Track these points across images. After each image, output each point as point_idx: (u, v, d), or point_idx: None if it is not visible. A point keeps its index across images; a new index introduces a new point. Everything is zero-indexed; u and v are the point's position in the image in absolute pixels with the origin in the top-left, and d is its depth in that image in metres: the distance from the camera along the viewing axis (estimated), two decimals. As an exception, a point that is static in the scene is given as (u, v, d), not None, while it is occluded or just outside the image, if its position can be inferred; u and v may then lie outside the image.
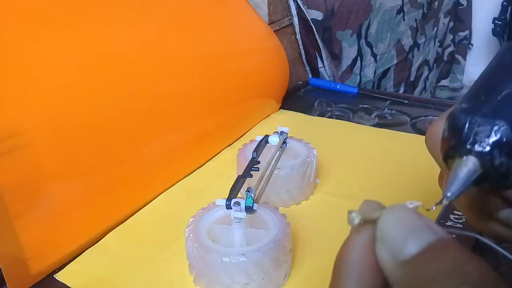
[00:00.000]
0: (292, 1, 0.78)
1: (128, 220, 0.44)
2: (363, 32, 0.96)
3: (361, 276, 0.15)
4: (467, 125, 0.17)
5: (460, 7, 1.64)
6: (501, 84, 0.17)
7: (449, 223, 0.41)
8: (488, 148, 0.16)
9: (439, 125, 0.19)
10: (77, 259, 0.39)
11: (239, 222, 0.35)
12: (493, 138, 0.16)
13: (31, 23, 0.39)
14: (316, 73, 0.84)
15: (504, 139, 0.16)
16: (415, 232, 0.14)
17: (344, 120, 0.65)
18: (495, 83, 0.18)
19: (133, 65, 0.46)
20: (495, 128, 0.16)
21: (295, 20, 0.79)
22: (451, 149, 0.18)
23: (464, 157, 0.17)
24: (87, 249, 0.40)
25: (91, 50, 0.42)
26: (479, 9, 1.71)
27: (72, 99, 0.40)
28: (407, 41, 1.17)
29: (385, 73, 1.10)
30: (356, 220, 0.16)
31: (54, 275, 0.38)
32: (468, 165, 0.17)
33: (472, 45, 1.83)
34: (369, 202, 0.17)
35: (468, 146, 0.17)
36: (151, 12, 0.50)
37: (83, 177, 0.40)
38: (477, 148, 0.16)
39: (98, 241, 0.41)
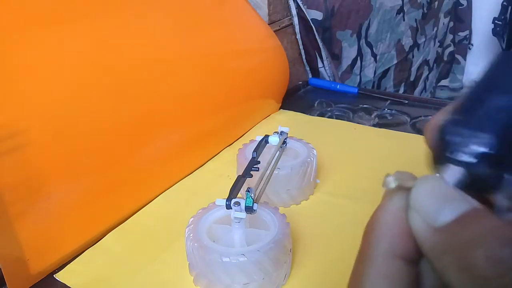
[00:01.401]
0: (292, 1, 0.78)
1: (128, 220, 0.44)
2: (363, 32, 0.96)
3: (393, 241, 0.15)
4: (452, 135, 0.18)
5: (460, 7, 1.64)
6: (487, 96, 0.18)
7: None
8: (470, 158, 0.17)
9: (437, 119, 0.19)
10: (77, 259, 0.39)
11: (239, 222, 0.35)
12: (476, 149, 0.17)
13: (31, 23, 0.39)
14: (316, 73, 0.84)
15: (486, 150, 0.17)
16: (450, 201, 0.14)
17: (344, 120, 0.65)
18: (482, 94, 0.19)
19: (133, 65, 0.46)
20: (478, 139, 0.17)
21: (295, 20, 0.79)
22: (436, 157, 0.18)
23: (447, 165, 0.17)
24: (87, 249, 0.40)
25: (91, 51, 0.42)
26: (479, 9, 1.71)
27: (72, 99, 0.40)
28: (407, 41, 1.17)
29: (385, 73, 1.10)
30: (392, 184, 0.16)
31: (54, 275, 0.38)
32: (449, 173, 0.17)
33: (472, 45, 1.83)
34: (402, 173, 0.17)
35: (450, 155, 0.17)
36: (151, 12, 0.50)
37: (83, 177, 0.40)
38: (460, 157, 0.17)
39: (98, 241, 0.41)
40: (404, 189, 0.16)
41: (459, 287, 0.13)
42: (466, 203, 0.14)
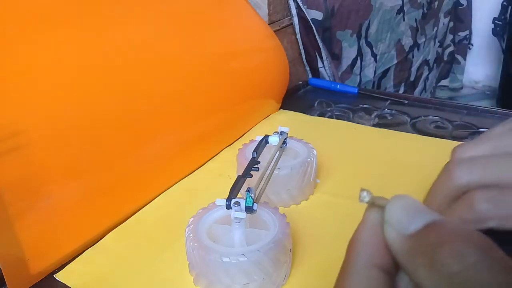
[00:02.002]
0: (292, 1, 0.78)
1: (128, 220, 0.44)
2: (363, 32, 0.96)
3: (372, 253, 0.17)
4: None
5: (460, 7, 1.64)
6: None
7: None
8: None
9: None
10: (77, 259, 0.39)
11: (239, 222, 0.35)
12: None
13: (31, 23, 0.39)
14: (316, 73, 0.84)
15: None
16: (419, 213, 0.16)
17: (344, 120, 0.65)
18: None
19: (133, 65, 0.46)
20: None
21: (295, 20, 0.79)
22: None
23: None
24: (87, 249, 0.40)
25: (91, 50, 0.42)
26: (479, 9, 1.71)
27: (72, 99, 0.40)
28: (407, 41, 1.17)
29: (385, 73, 1.10)
30: (367, 198, 0.18)
31: (54, 275, 0.38)
32: None
33: (472, 45, 1.83)
34: (377, 197, 0.18)
35: None
36: (151, 12, 0.50)
37: (83, 177, 0.40)
38: None
39: (98, 241, 0.41)
40: (379, 207, 0.18)
41: (430, 283, 0.15)
42: (432, 214, 0.16)
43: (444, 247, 0.15)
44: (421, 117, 0.64)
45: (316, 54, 0.83)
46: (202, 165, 0.53)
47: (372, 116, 0.66)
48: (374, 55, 1.02)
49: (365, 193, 0.18)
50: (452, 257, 0.14)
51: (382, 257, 0.17)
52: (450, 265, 0.14)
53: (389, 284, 0.17)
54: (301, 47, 0.82)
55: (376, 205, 0.18)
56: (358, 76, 0.99)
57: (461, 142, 0.55)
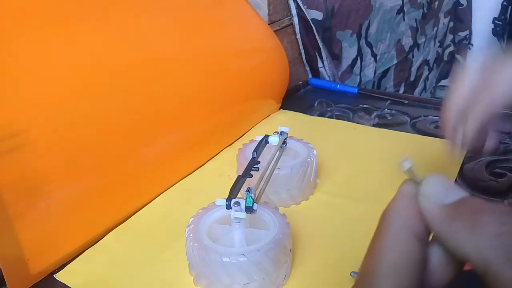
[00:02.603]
0: (292, 1, 0.78)
1: (128, 220, 0.44)
2: (363, 32, 0.96)
3: (407, 221, 0.18)
4: None
5: (460, 7, 1.64)
6: None
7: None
8: None
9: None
10: (77, 259, 0.39)
11: (239, 222, 0.35)
12: None
13: (32, 23, 0.39)
14: (316, 73, 0.84)
15: None
16: (454, 189, 0.18)
17: (344, 120, 0.65)
18: None
19: (133, 65, 0.46)
20: None
21: (295, 20, 0.79)
22: None
23: None
24: (87, 249, 0.40)
25: (91, 51, 0.42)
26: (479, 9, 1.71)
27: (72, 99, 0.40)
28: (407, 41, 1.17)
29: (385, 73, 1.10)
30: (408, 166, 0.20)
31: (54, 275, 0.38)
32: None
33: (472, 45, 1.83)
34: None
35: None
36: (152, 12, 0.50)
37: (83, 177, 0.40)
38: None
39: (98, 241, 0.41)
40: (413, 182, 0.20)
41: (470, 243, 0.16)
42: (465, 192, 0.18)
43: (485, 213, 0.16)
44: (421, 117, 0.64)
45: (316, 54, 0.83)
46: (202, 165, 0.53)
47: (372, 116, 0.66)
48: (374, 55, 1.02)
49: (407, 162, 0.20)
50: (494, 221, 0.15)
51: (416, 224, 0.18)
52: (492, 227, 0.15)
53: (422, 253, 0.17)
54: (301, 47, 0.82)
55: (411, 179, 0.20)
56: (358, 76, 0.99)
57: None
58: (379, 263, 0.18)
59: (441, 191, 0.18)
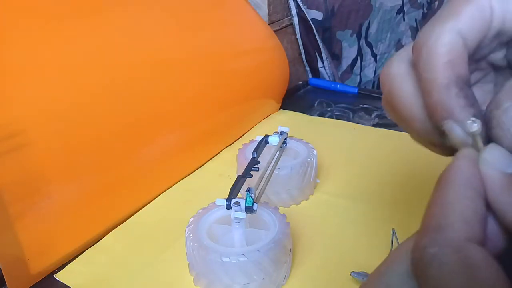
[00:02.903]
0: (292, 1, 0.78)
1: (128, 220, 0.44)
2: (363, 32, 0.96)
3: (469, 178, 0.17)
4: None
5: (460, 7, 1.63)
6: None
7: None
8: None
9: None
10: (77, 259, 0.39)
11: (239, 222, 0.35)
12: None
13: (32, 22, 0.39)
14: (316, 73, 0.84)
15: None
16: None
17: (344, 120, 0.65)
18: None
19: (133, 65, 0.46)
20: None
21: (295, 20, 0.79)
22: None
23: None
24: (87, 249, 0.40)
25: (92, 51, 0.42)
26: (479, 9, 1.71)
27: (72, 99, 0.40)
28: (407, 41, 1.17)
29: (385, 73, 1.10)
30: (475, 128, 0.18)
31: (54, 275, 0.38)
32: None
33: (472, 45, 1.82)
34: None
35: None
36: (151, 12, 0.50)
37: (83, 177, 0.40)
38: None
39: (98, 241, 0.41)
40: (473, 148, 0.18)
41: None
42: None
43: None
44: (421, 117, 0.64)
45: (316, 54, 0.83)
46: (202, 165, 0.53)
47: (372, 116, 0.66)
48: (374, 55, 1.02)
49: (476, 123, 0.18)
50: None
51: (480, 185, 0.17)
52: None
53: (484, 210, 0.17)
54: (301, 47, 0.82)
55: (472, 145, 0.19)
56: (358, 76, 0.99)
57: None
58: (447, 214, 0.17)
59: (505, 159, 0.18)
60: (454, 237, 0.16)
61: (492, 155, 0.18)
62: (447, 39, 0.20)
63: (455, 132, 0.19)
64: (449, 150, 0.21)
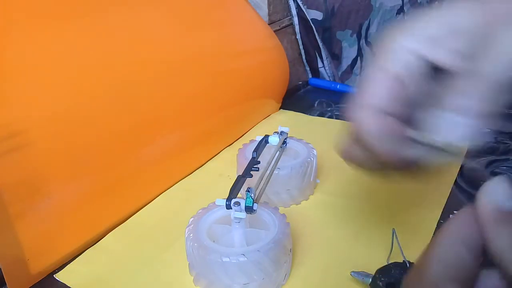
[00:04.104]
0: (292, 1, 0.78)
1: (128, 220, 0.44)
2: (363, 32, 0.96)
3: (461, 229, 0.18)
4: None
5: (460, 7, 1.63)
6: None
7: (449, 223, 0.41)
8: None
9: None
10: (77, 259, 0.39)
11: (239, 222, 0.35)
12: None
13: (31, 22, 0.39)
14: (316, 73, 0.84)
15: None
16: None
17: (344, 120, 0.65)
18: None
19: (133, 65, 0.46)
20: None
21: (295, 20, 0.79)
22: None
23: None
24: (87, 249, 0.40)
25: (91, 50, 0.42)
26: (479, 9, 1.71)
27: (72, 99, 0.40)
28: (407, 41, 1.17)
29: (385, 73, 1.10)
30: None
31: (54, 275, 0.38)
32: None
33: (472, 45, 1.82)
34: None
35: None
36: (151, 12, 0.50)
37: (83, 177, 0.40)
38: None
39: (98, 241, 0.41)
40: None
41: None
42: None
43: None
44: (421, 117, 0.64)
45: (316, 54, 0.83)
46: (202, 165, 0.53)
47: (372, 116, 0.66)
48: (374, 55, 1.02)
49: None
50: None
51: (470, 240, 0.18)
52: None
53: (472, 265, 0.18)
54: (301, 47, 0.82)
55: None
56: (358, 76, 0.99)
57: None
58: (429, 269, 0.18)
59: (504, 195, 0.18)
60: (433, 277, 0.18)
61: (491, 190, 0.18)
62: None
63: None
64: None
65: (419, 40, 0.25)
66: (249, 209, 0.34)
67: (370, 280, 0.32)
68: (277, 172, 0.43)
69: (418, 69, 0.26)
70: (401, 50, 0.25)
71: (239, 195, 0.37)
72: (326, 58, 0.83)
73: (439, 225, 0.41)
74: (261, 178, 0.38)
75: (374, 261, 0.34)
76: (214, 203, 0.37)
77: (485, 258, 0.18)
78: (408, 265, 0.32)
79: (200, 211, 0.37)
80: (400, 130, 0.26)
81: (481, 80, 0.23)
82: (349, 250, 0.39)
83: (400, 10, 1.09)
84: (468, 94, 0.23)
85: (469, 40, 0.24)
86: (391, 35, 0.26)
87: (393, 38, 0.26)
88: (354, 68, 0.96)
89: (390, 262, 0.33)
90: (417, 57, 0.25)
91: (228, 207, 0.35)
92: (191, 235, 0.35)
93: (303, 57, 0.83)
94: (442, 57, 0.25)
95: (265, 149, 0.45)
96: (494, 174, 0.49)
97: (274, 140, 0.45)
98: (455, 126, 0.23)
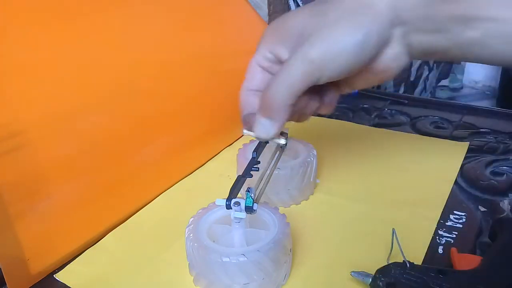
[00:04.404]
0: (292, 1, 0.78)
1: (128, 220, 0.44)
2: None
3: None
4: None
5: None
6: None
7: (449, 223, 0.41)
8: None
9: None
10: (77, 259, 0.39)
11: (239, 222, 0.35)
12: None
13: (31, 22, 0.39)
14: (316, 73, 0.84)
15: None
16: None
17: (344, 120, 0.65)
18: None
19: (133, 65, 0.46)
20: None
21: (295, 20, 0.79)
22: None
23: None
24: (87, 249, 0.40)
25: (92, 50, 0.42)
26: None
27: (72, 99, 0.40)
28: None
29: (385, 73, 1.10)
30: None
31: (54, 275, 0.38)
32: None
33: (472, 45, 1.82)
34: None
35: None
36: (151, 12, 0.50)
37: (83, 177, 0.40)
38: None
39: (98, 241, 0.41)
40: None
41: None
42: None
43: None
44: (421, 117, 0.64)
45: (316, 54, 0.83)
46: (202, 165, 0.53)
47: (372, 116, 0.66)
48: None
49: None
50: None
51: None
52: None
53: None
54: (301, 47, 0.82)
55: None
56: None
57: (458, 142, 0.55)
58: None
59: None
60: None
61: None
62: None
63: None
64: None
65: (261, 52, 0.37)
66: (249, 209, 0.34)
67: (370, 280, 0.32)
68: (277, 172, 0.43)
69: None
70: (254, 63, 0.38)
71: (239, 195, 0.37)
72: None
73: (439, 225, 0.41)
74: (261, 178, 0.38)
75: (374, 261, 0.34)
76: (214, 203, 0.37)
77: None
78: (408, 265, 0.32)
79: (200, 211, 0.37)
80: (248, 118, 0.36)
81: (278, 83, 0.32)
82: (349, 250, 0.39)
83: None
84: (265, 97, 0.33)
85: (290, 47, 0.33)
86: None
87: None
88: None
89: (390, 262, 0.33)
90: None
91: (228, 207, 0.35)
92: (191, 235, 0.35)
93: (303, 57, 0.83)
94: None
95: (265, 149, 0.45)
96: (494, 174, 0.49)
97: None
98: (260, 126, 0.34)
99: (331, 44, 0.30)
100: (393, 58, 0.32)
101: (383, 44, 0.31)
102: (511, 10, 0.27)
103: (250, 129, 0.36)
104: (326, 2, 0.32)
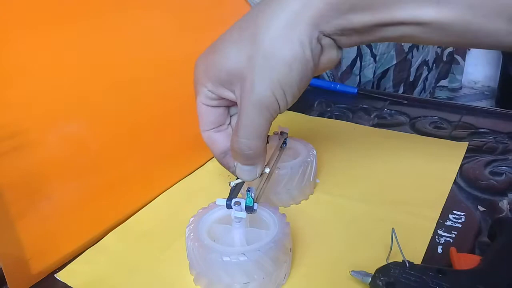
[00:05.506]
0: (292, 2, 0.77)
1: (128, 220, 0.44)
2: (362, 33, 0.96)
3: None
4: None
5: (459, 8, 1.63)
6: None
7: (448, 222, 0.41)
8: None
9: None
10: (77, 259, 0.39)
11: (239, 222, 0.35)
12: None
13: (31, 22, 0.39)
14: (315, 73, 0.84)
15: None
16: None
17: (343, 120, 0.65)
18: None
19: (133, 65, 0.46)
20: None
21: (295, 20, 0.79)
22: None
23: None
24: (88, 249, 0.41)
25: (92, 50, 0.42)
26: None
27: (72, 99, 0.40)
28: (407, 41, 1.17)
29: (384, 73, 1.10)
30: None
31: (54, 275, 0.38)
32: None
33: (471, 45, 1.82)
34: None
35: None
36: (151, 12, 0.50)
37: (83, 177, 0.40)
38: None
39: (98, 241, 0.41)
40: None
41: None
42: None
43: None
44: (420, 117, 0.64)
45: (316, 54, 0.83)
46: (202, 165, 0.54)
47: (372, 116, 0.66)
48: (373, 56, 1.03)
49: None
50: None
51: None
52: None
53: None
54: (300, 47, 0.82)
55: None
56: (358, 77, 0.99)
57: (457, 142, 0.55)
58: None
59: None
60: None
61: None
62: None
63: None
64: None
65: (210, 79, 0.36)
66: (249, 209, 0.34)
67: (370, 279, 0.33)
68: (277, 172, 0.43)
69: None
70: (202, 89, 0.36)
71: (239, 195, 0.37)
72: (326, 59, 0.83)
73: (438, 224, 0.41)
74: (261, 178, 0.38)
75: (374, 260, 0.34)
76: (214, 202, 0.37)
77: None
78: (407, 264, 0.32)
79: (201, 210, 0.37)
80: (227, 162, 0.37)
81: (244, 136, 0.32)
82: (349, 250, 0.39)
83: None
84: (239, 151, 0.33)
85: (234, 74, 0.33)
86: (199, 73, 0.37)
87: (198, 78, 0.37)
88: (354, 69, 0.96)
89: (389, 262, 0.33)
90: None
91: (229, 206, 0.35)
92: (192, 234, 0.35)
93: (303, 57, 0.83)
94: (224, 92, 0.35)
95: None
96: (493, 174, 0.49)
97: (274, 140, 0.45)
98: (243, 172, 0.35)
99: (275, 79, 0.30)
100: (328, 58, 0.32)
101: (318, 53, 0.31)
102: (423, 10, 0.27)
103: (229, 169, 0.37)
104: (254, 23, 0.34)
